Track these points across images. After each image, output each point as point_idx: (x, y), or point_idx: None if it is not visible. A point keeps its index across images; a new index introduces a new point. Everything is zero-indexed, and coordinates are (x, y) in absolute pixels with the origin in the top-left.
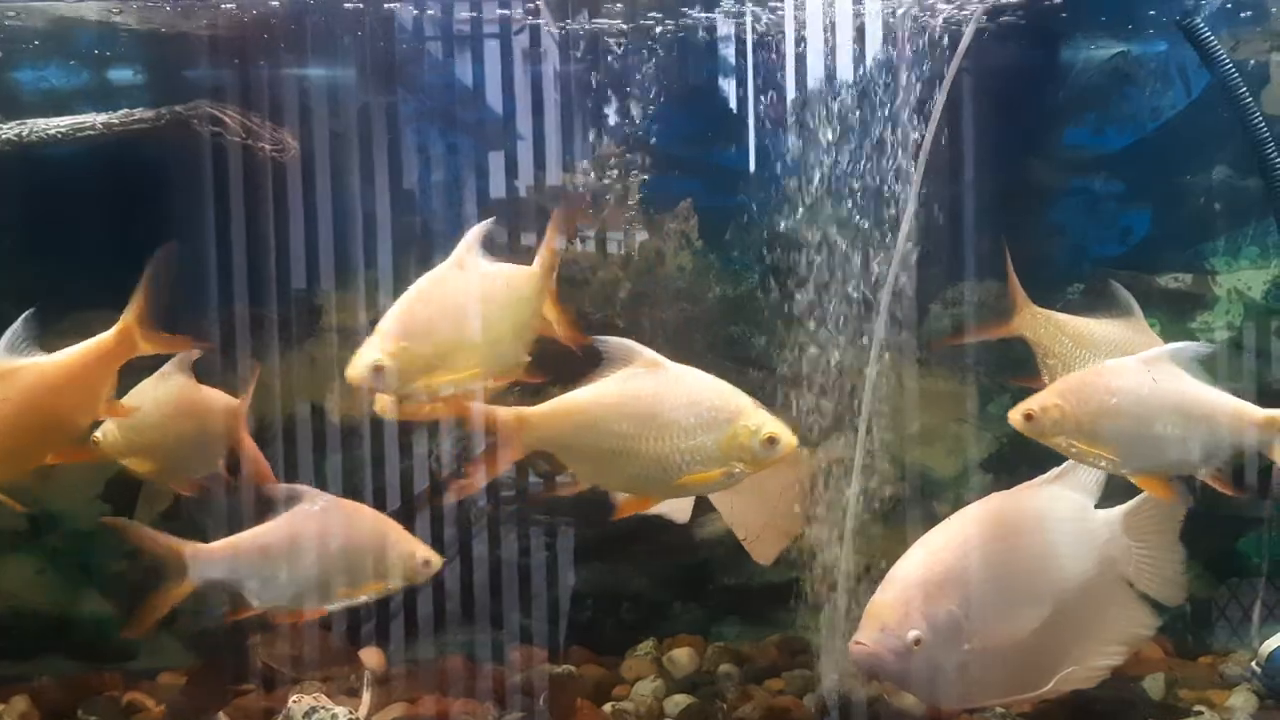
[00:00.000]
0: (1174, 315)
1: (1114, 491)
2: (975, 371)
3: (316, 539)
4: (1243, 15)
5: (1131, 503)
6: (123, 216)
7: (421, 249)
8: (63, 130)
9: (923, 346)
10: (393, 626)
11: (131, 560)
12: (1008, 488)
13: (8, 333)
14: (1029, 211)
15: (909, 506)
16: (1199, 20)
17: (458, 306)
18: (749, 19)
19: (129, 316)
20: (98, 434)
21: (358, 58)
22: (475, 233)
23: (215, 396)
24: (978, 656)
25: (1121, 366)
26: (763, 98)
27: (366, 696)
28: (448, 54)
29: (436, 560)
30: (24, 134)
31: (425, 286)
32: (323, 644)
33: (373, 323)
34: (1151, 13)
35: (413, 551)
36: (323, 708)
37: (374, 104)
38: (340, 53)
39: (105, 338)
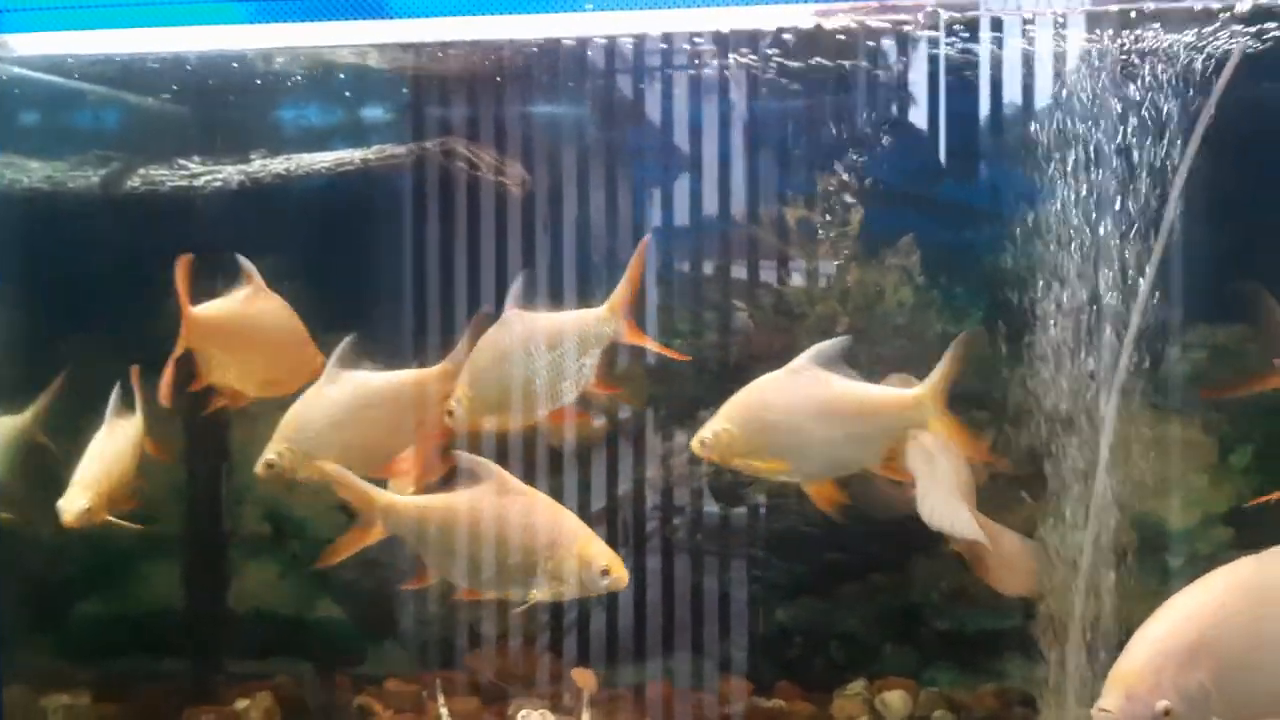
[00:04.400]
0: None
1: None
2: (1215, 419)
3: (492, 520)
4: None
5: None
6: (371, 245)
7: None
8: (326, 165)
9: (1157, 391)
10: (596, 648)
11: (365, 568)
12: (1247, 543)
13: (339, 347)
14: (1276, 251)
15: (1140, 559)
16: None
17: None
18: (976, 50)
19: (452, 359)
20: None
21: (584, 96)
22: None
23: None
24: None
25: (773, 379)
26: (989, 131)
27: (586, 717)
28: (669, 91)
29: (618, 573)
30: (291, 169)
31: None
32: (534, 660)
33: None
34: None
35: (592, 558)
36: None
37: (601, 140)
38: (569, 91)
39: (434, 370)
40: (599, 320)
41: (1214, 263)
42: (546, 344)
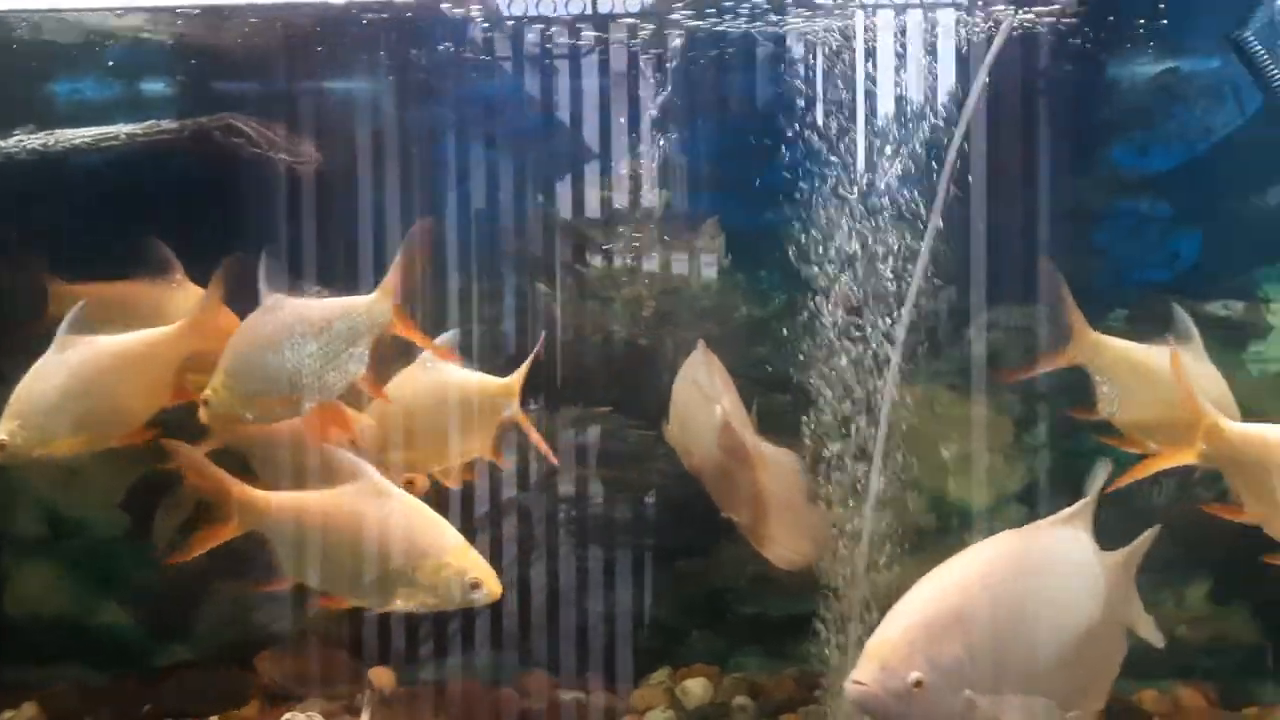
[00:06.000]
0: (1224, 345)
1: None
2: (1009, 399)
3: (362, 524)
4: None
5: (1133, 545)
6: (145, 224)
7: (438, 260)
8: (88, 140)
9: (956, 371)
10: (406, 646)
11: (152, 569)
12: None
13: (70, 313)
14: (1069, 233)
15: (938, 538)
16: (1249, 35)
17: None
18: (782, 32)
19: (202, 313)
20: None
21: (382, 70)
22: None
23: None
24: (979, 701)
25: (408, 372)
26: (794, 114)
27: (365, 717)
28: (473, 67)
29: (490, 586)
30: (50, 144)
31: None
32: (331, 661)
33: None
34: (1202, 28)
35: (463, 570)
36: None
37: (398, 116)
38: (364, 65)
39: (173, 328)
40: (368, 308)
41: (1010, 244)
42: (311, 331)
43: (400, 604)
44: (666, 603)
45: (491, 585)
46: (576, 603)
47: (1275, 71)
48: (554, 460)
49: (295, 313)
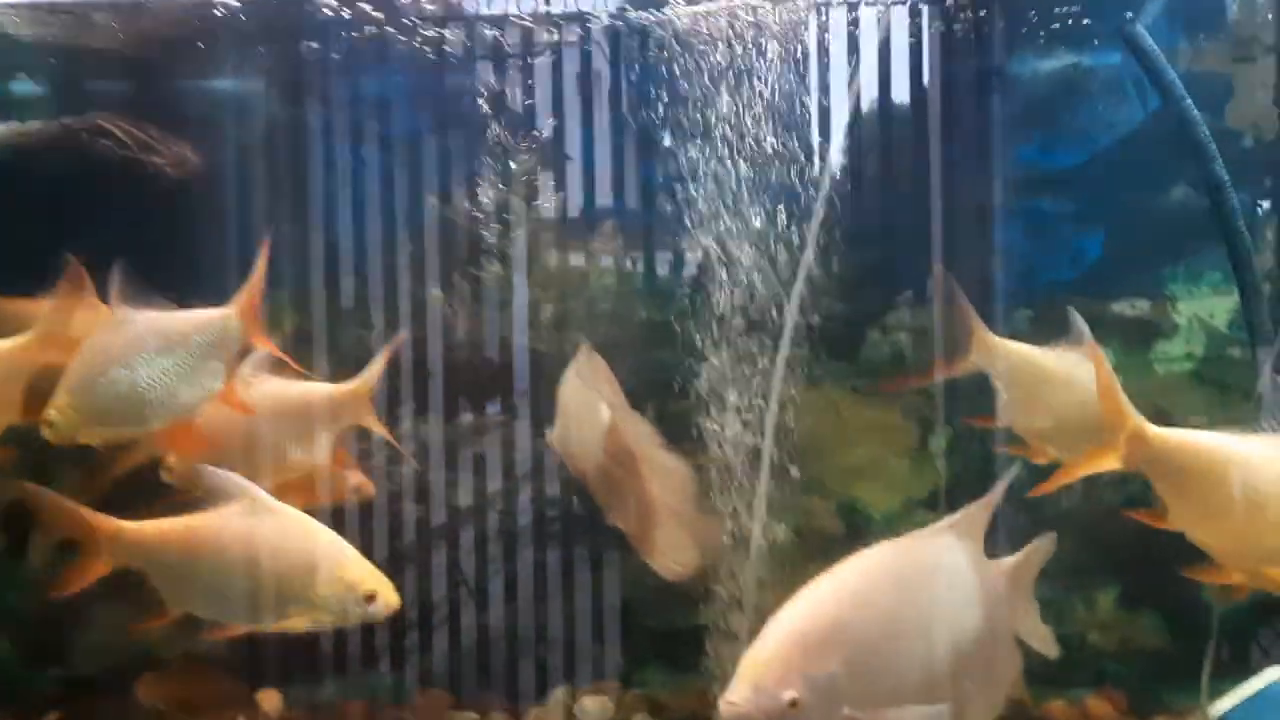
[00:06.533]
0: (1130, 344)
1: None
2: (915, 403)
3: (244, 545)
4: (1203, 25)
5: (1021, 552)
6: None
7: (329, 266)
8: None
9: (861, 374)
10: (295, 666)
11: (29, 592)
12: None
13: None
14: (971, 232)
15: (842, 545)
16: (1141, 29)
17: None
18: (674, 29)
19: (44, 326)
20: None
21: (265, 70)
22: None
23: None
24: (858, 717)
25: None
26: (691, 111)
27: None
28: (357, 67)
29: (386, 597)
30: None
31: None
32: (217, 685)
33: None
34: (1103, 23)
35: (355, 583)
36: None
37: (281, 117)
38: (247, 66)
39: (19, 340)
40: (223, 320)
41: (914, 243)
42: (164, 346)
43: (294, 623)
44: (566, 616)
45: (388, 596)
46: (474, 618)
47: (1165, 66)
48: (412, 461)
49: (146, 327)
